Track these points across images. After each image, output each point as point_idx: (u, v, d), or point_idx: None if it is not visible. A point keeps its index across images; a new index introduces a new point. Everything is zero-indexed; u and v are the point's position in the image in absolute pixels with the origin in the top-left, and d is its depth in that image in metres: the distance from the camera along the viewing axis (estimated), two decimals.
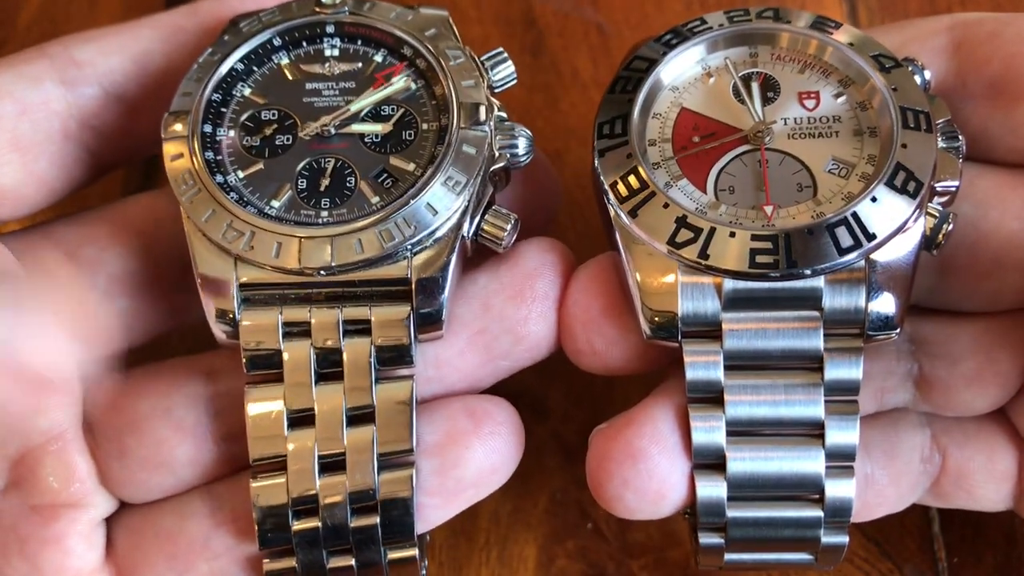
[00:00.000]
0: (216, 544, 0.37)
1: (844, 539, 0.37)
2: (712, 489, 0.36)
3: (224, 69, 0.39)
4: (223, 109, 0.39)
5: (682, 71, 0.40)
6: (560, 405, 0.46)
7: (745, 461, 0.36)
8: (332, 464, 0.36)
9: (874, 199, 0.35)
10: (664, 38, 0.40)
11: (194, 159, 0.37)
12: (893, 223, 0.35)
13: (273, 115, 0.39)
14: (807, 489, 0.36)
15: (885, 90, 0.37)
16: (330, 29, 0.40)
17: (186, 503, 0.38)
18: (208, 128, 0.38)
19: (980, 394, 0.38)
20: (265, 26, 0.39)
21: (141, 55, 0.40)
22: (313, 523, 0.36)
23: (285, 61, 0.40)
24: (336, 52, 0.40)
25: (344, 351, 0.36)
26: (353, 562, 0.37)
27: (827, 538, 0.36)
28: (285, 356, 0.36)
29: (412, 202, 0.36)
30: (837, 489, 0.36)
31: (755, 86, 0.39)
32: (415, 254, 0.36)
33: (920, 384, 0.39)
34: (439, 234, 0.36)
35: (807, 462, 0.36)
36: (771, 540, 0.36)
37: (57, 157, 0.39)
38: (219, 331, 0.36)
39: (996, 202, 0.38)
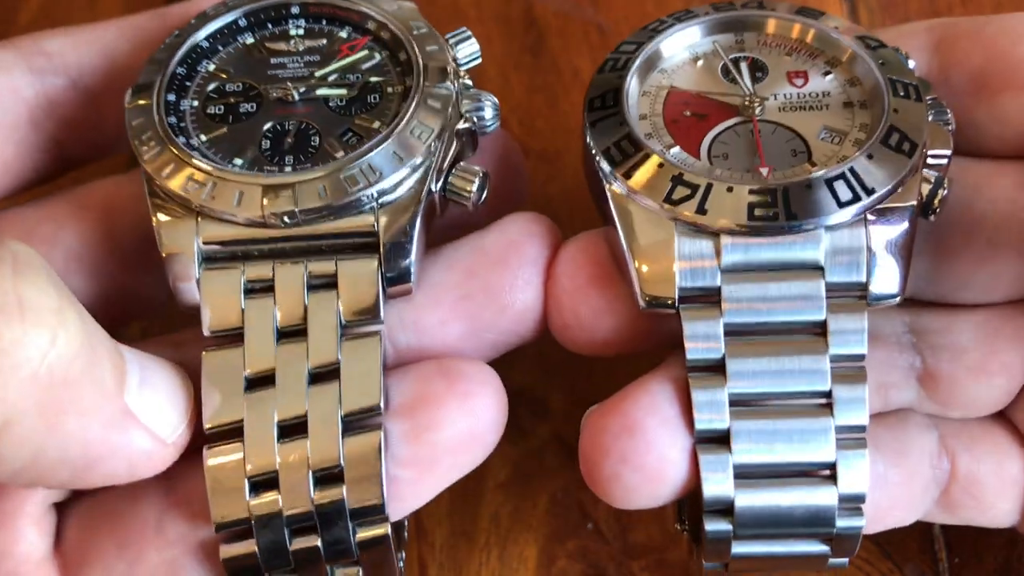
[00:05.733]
0: (169, 529, 0.36)
1: (860, 522, 0.35)
2: (717, 465, 0.34)
3: (189, 45, 0.39)
4: (187, 83, 0.39)
5: (671, 55, 0.40)
6: (561, 405, 0.46)
7: (749, 435, 0.34)
8: (293, 427, 0.35)
9: (870, 156, 0.35)
10: (651, 26, 0.41)
11: (157, 123, 0.37)
12: (890, 179, 0.35)
13: (238, 87, 0.39)
14: (816, 464, 0.35)
15: (872, 62, 0.38)
16: (295, 10, 0.41)
17: (141, 484, 0.36)
18: (172, 97, 0.38)
19: (985, 386, 0.37)
20: (231, 9, 0.40)
21: (109, 50, 0.41)
22: (272, 496, 0.34)
23: (250, 40, 0.40)
24: (301, 31, 0.41)
25: (308, 307, 0.35)
26: (319, 542, 0.35)
27: (842, 521, 0.35)
28: (246, 314, 0.35)
29: (377, 150, 0.36)
30: (849, 465, 0.35)
31: (744, 65, 0.40)
32: (381, 206, 0.35)
33: (924, 380, 0.38)
34: (405, 185, 0.36)
35: (816, 430, 0.35)
36: (782, 523, 0.35)
37: (24, 144, 0.39)
38: (180, 292, 0.36)
39: (988, 187, 0.38)
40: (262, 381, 0.35)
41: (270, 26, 0.41)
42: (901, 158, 0.35)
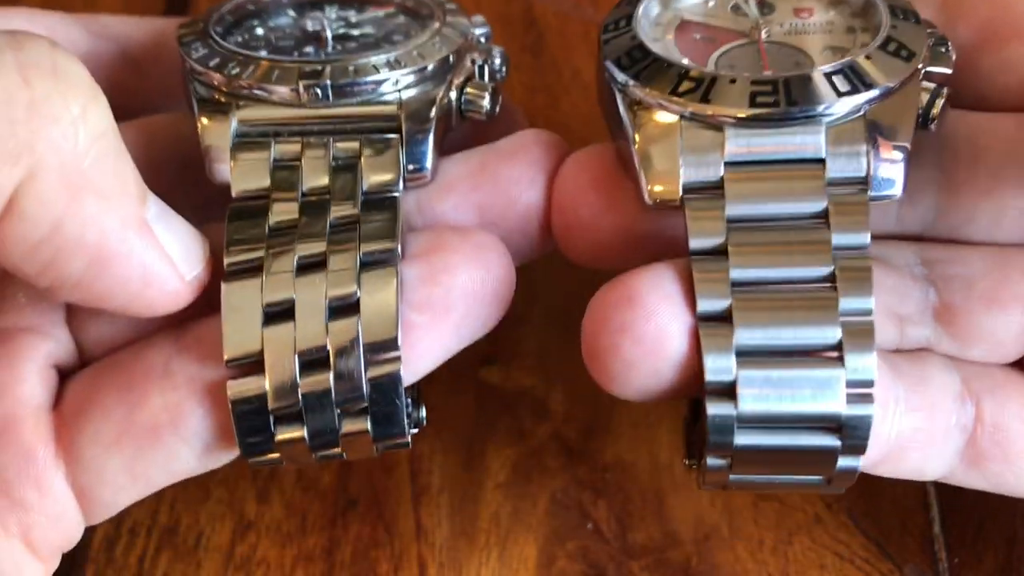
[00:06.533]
0: (176, 371, 0.35)
1: (869, 410, 0.34)
2: (718, 340, 0.34)
3: (237, 2, 0.43)
4: (233, 28, 0.43)
5: None
6: (561, 406, 0.46)
7: (752, 313, 0.34)
8: (312, 265, 0.35)
9: (869, 57, 0.37)
10: None
11: (207, 36, 0.40)
12: (889, 78, 0.36)
13: (278, 34, 0.43)
14: (821, 345, 0.34)
15: None
16: None
17: (150, 339, 0.37)
18: (220, 29, 0.41)
19: (1001, 319, 0.37)
20: None
21: (158, 32, 0.44)
22: (288, 327, 0.35)
23: (292, 14, 0.44)
24: (335, 9, 0.45)
25: (333, 174, 0.37)
26: (330, 378, 0.35)
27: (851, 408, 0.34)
28: (274, 177, 0.37)
29: (402, 50, 0.39)
30: (855, 345, 0.34)
31: (752, 1, 0.41)
32: (404, 100, 0.39)
33: (940, 314, 0.38)
34: (425, 86, 0.39)
35: (820, 310, 0.34)
36: (788, 402, 0.34)
37: None
38: (215, 172, 0.38)
39: (991, 125, 0.38)
40: (285, 230, 0.36)
41: (310, 9, 0.44)
42: (899, 62, 0.36)
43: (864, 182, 0.35)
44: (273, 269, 0.35)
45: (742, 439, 0.34)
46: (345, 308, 0.35)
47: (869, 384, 0.34)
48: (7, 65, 0.30)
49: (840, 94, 0.35)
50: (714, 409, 0.34)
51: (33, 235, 0.31)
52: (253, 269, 0.35)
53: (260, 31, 0.43)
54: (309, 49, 0.42)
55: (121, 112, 0.42)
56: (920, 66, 0.37)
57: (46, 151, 0.31)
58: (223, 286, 0.35)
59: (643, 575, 0.42)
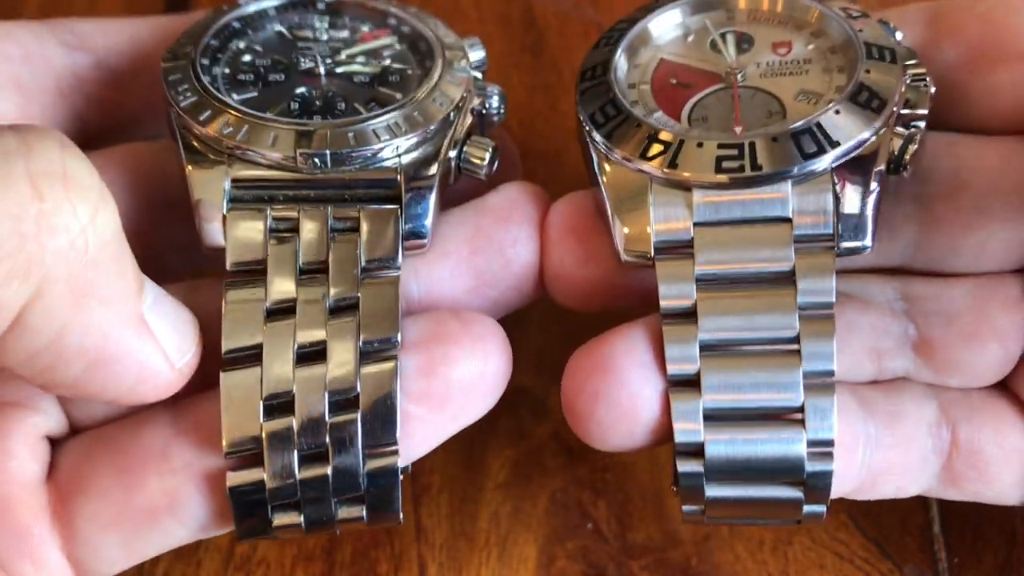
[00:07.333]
0: (174, 456, 0.36)
1: (830, 466, 0.35)
2: (687, 405, 0.35)
3: (222, 22, 0.42)
4: (219, 55, 0.41)
5: (662, 32, 0.42)
6: (561, 405, 0.46)
7: (719, 377, 0.35)
8: (311, 354, 0.35)
9: (837, 112, 0.36)
10: (644, 7, 0.43)
11: (193, 78, 0.39)
12: (856, 133, 0.36)
13: (267, 61, 0.41)
14: (784, 408, 0.35)
15: (851, 31, 0.39)
16: (321, 7, 0.44)
17: (146, 416, 0.37)
18: (205, 61, 0.40)
19: (979, 353, 0.37)
20: (261, 1, 0.44)
21: (135, 39, 0.42)
22: (287, 421, 0.35)
23: (279, 28, 0.43)
24: (326, 24, 0.43)
25: (331, 246, 0.37)
26: (328, 470, 0.35)
27: (812, 466, 0.35)
28: (270, 249, 0.36)
29: (401, 111, 0.38)
30: (816, 408, 0.35)
31: (730, 37, 0.41)
32: (404, 165, 0.37)
33: (919, 347, 0.38)
34: (426, 147, 0.38)
35: (784, 374, 0.35)
36: (751, 463, 0.35)
37: (49, 111, 0.40)
38: (206, 234, 0.37)
39: (975, 156, 0.38)
40: (282, 312, 0.36)
41: (297, 19, 0.43)
42: (869, 114, 0.36)
43: (830, 238, 0.36)
44: (272, 359, 0.35)
45: (712, 491, 0.36)
46: (345, 402, 0.35)
47: (829, 444, 0.35)
48: (18, 175, 0.29)
49: (806, 156, 0.35)
50: (684, 467, 0.36)
51: (35, 344, 0.31)
52: (252, 357, 0.35)
53: (248, 57, 0.41)
54: (302, 90, 0.40)
55: (101, 130, 0.41)
56: (894, 109, 0.37)
57: (55, 263, 0.30)
58: (222, 375, 0.35)
59: (643, 575, 0.42)
